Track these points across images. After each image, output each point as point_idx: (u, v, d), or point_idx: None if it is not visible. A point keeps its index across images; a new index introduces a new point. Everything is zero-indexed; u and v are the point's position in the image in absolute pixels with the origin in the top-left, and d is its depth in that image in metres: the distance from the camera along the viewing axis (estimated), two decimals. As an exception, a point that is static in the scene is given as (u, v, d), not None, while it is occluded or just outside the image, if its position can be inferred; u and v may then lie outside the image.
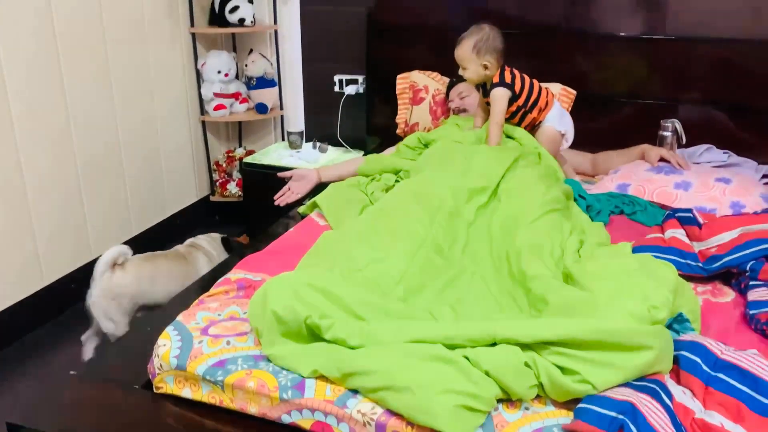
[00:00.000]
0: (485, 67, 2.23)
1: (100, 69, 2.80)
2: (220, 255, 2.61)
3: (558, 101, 2.43)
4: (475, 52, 2.21)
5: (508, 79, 2.25)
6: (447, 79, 2.94)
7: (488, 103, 2.30)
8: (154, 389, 1.40)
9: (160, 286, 2.37)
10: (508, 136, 2.32)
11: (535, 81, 2.33)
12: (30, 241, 2.57)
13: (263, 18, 3.42)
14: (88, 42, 2.72)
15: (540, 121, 2.35)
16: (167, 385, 1.38)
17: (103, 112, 2.85)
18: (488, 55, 2.21)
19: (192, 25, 3.27)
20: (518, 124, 2.34)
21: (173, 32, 3.21)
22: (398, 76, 3.03)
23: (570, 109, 2.77)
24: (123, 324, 2.31)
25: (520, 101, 2.28)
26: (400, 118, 3.03)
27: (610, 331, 1.21)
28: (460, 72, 2.30)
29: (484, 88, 2.31)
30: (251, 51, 3.45)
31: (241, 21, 3.21)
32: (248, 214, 3.33)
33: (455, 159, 2.08)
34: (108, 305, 2.28)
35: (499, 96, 2.24)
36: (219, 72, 3.30)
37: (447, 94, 2.82)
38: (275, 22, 3.38)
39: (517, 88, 2.26)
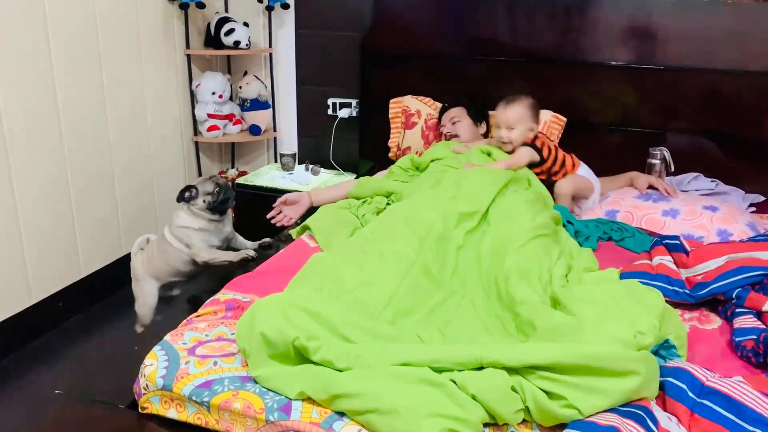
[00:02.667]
0: (531, 130, 2.32)
1: (95, 88, 2.81)
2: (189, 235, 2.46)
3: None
4: (533, 112, 2.32)
5: (538, 143, 2.33)
6: (439, 105, 2.97)
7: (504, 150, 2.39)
8: (140, 409, 1.40)
9: (155, 266, 2.50)
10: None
11: (560, 150, 2.40)
12: (19, 259, 2.56)
13: (258, 41, 3.45)
14: (83, 62, 2.73)
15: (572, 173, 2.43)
16: (153, 405, 1.38)
17: (96, 131, 2.86)
18: (536, 122, 2.33)
19: (188, 46, 3.29)
20: (545, 181, 2.38)
21: (169, 53, 3.23)
22: (391, 101, 3.06)
23: (560, 135, 2.80)
24: (147, 305, 2.51)
25: (545, 166, 2.36)
26: (392, 142, 3.06)
27: (596, 356, 1.22)
28: (504, 133, 2.34)
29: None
30: (246, 73, 3.48)
31: (237, 43, 3.24)
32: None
33: (446, 183, 2.10)
34: (135, 286, 2.54)
35: (525, 153, 2.31)
36: (213, 93, 3.32)
37: (439, 119, 2.85)
38: (270, 45, 3.42)
39: (545, 153, 2.34)
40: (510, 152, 2.38)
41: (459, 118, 2.71)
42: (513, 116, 2.32)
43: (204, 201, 2.43)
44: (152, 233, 3.25)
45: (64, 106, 2.66)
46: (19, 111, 2.47)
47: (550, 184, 2.38)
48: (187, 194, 2.43)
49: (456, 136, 2.68)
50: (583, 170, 2.45)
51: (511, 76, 2.92)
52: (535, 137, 2.35)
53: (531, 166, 2.34)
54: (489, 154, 2.40)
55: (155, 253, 2.50)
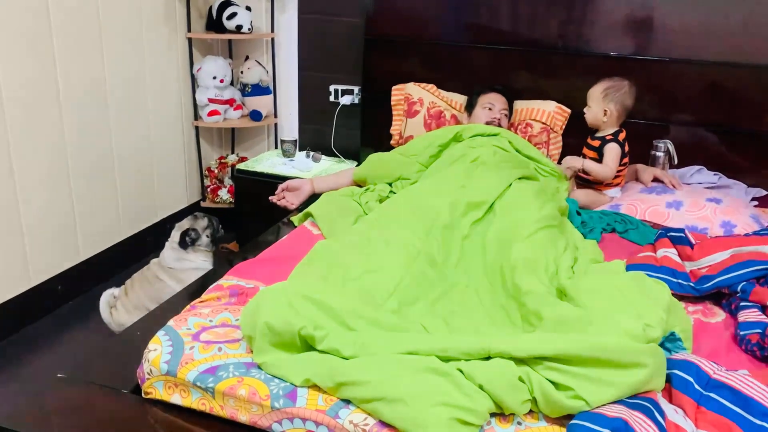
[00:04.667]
0: (604, 113, 2.34)
1: (96, 71, 2.79)
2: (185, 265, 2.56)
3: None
4: (603, 95, 2.34)
5: (626, 148, 2.38)
6: (443, 92, 2.95)
7: (590, 147, 2.42)
8: (143, 394, 1.39)
9: (147, 307, 2.45)
10: (527, 156, 2.39)
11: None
12: (18, 242, 2.54)
13: (260, 26, 3.42)
14: (84, 44, 2.71)
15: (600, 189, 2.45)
16: (156, 390, 1.37)
17: (96, 114, 2.83)
18: (612, 103, 2.33)
19: (189, 30, 3.26)
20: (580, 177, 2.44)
21: (170, 37, 3.20)
22: (393, 88, 3.03)
23: (564, 127, 2.79)
24: None
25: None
26: (394, 130, 3.04)
27: (604, 348, 1.22)
28: (586, 109, 2.41)
29: (593, 131, 2.44)
30: (247, 58, 3.45)
31: (239, 28, 3.21)
32: (239, 221, 3.31)
33: (457, 173, 2.08)
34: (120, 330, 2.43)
35: (614, 151, 2.35)
36: (214, 78, 3.29)
37: (475, 97, 2.73)
38: (272, 30, 3.39)
39: (626, 159, 2.40)
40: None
41: (506, 112, 2.69)
42: (589, 94, 2.40)
43: (207, 236, 2.57)
44: (150, 220, 3.26)
45: (64, 89, 2.64)
46: (19, 94, 2.45)
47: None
48: (188, 238, 2.52)
49: (499, 125, 2.63)
50: (617, 190, 2.48)
51: (513, 65, 2.90)
52: (619, 132, 2.38)
53: None
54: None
55: (152, 295, 2.48)
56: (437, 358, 1.26)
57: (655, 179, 2.44)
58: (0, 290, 2.50)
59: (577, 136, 2.62)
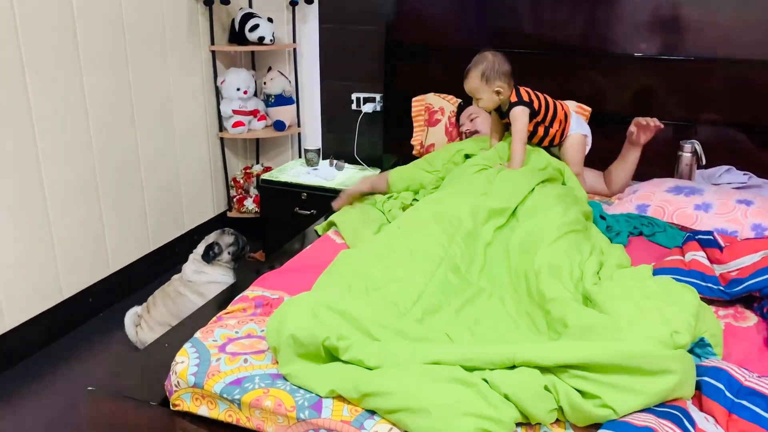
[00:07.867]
0: (498, 93, 2.24)
1: (121, 84, 2.84)
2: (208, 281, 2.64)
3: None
4: (484, 80, 2.22)
5: (525, 97, 2.25)
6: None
7: (507, 124, 2.30)
8: (171, 407, 1.40)
9: (170, 323, 2.51)
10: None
11: (548, 96, 2.34)
12: (50, 255, 2.59)
13: (282, 36, 3.45)
14: (110, 58, 2.76)
15: (567, 135, 2.37)
16: (184, 402, 1.38)
17: (123, 128, 2.88)
18: (498, 80, 2.22)
19: (212, 43, 3.31)
20: (540, 142, 2.34)
21: (194, 50, 3.25)
22: (413, 99, 3.03)
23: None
24: None
25: (539, 117, 2.29)
26: (415, 140, 3.04)
27: (632, 355, 1.20)
28: (474, 103, 2.31)
29: (500, 110, 2.31)
30: (270, 69, 3.48)
31: (261, 39, 3.24)
32: (265, 231, 3.34)
33: (478, 180, 2.08)
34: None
35: (520, 113, 2.23)
36: (238, 89, 3.33)
37: (457, 118, 2.82)
38: (294, 40, 3.42)
39: (536, 105, 2.27)
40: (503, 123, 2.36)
41: (476, 113, 2.68)
42: (469, 90, 2.27)
43: (229, 253, 2.68)
44: (177, 231, 3.30)
45: (91, 104, 2.69)
46: (48, 108, 2.50)
47: (549, 141, 2.36)
48: (212, 252, 2.62)
49: (476, 132, 2.65)
50: (574, 118, 2.39)
51: (535, 68, 2.89)
52: (517, 90, 2.26)
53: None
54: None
55: (174, 311, 2.54)
56: (462, 368, 1.25)
57: (638, 125, 2.40)
58: (32, 304, 2.56)
59: (601, 138, 2.60)
